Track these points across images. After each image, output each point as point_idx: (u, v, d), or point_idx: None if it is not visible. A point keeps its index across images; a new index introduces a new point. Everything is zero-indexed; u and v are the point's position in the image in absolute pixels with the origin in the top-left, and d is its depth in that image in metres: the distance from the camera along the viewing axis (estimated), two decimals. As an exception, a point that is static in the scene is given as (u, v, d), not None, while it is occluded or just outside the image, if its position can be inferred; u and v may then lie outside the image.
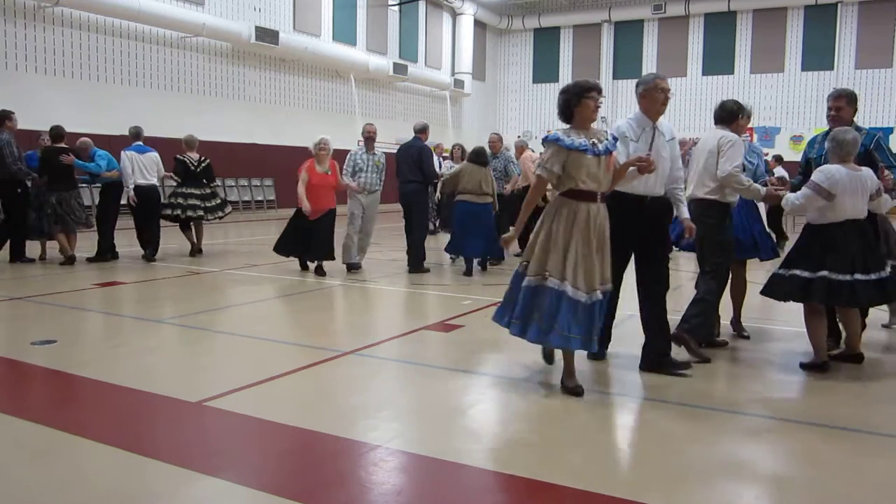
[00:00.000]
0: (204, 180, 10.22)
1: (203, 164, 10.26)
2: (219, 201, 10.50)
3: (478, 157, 8.63)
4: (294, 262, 9.41)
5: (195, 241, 10.17)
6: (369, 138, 8.66)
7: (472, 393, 4.22)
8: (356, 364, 4.73)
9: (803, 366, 4.62)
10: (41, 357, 4.72)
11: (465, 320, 6.06)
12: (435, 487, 2.94)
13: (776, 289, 4.58)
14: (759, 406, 3.98)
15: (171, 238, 10.42)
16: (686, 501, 2.83)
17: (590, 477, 3.02)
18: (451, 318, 6.09)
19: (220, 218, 10.57)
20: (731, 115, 4.95)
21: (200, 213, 10.10)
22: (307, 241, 8.38)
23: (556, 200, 4.05)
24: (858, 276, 4.30)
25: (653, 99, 4.45)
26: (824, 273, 4.33)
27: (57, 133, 9.01)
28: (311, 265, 8.62)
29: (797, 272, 4.44)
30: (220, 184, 18.65)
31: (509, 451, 3.31)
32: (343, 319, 6.61)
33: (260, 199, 19.68)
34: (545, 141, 4.09)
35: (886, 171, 4.67)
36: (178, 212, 9.95)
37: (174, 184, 10.22)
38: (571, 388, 4.06)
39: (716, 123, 4.99)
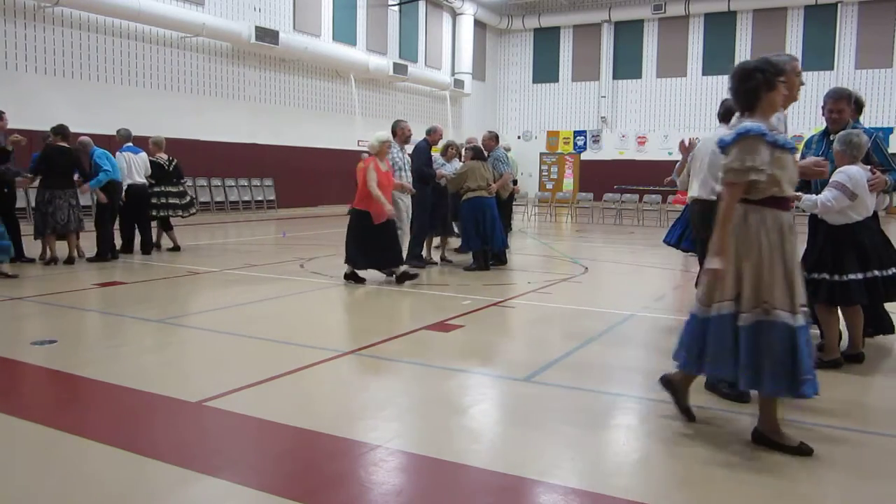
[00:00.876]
0: (174, 179, 10.49)
1: (174, 163, 10.50)
2: (189, 199, 10.81)
3: (480, 153, 9.05)
4: (294, 264, 9.41)
5: (173, 239, 10.45)
6: (408, 139, 8.62)
7: (472, 393, 4.22)
8: (356, 364, 4.73)
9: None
10: (41, 357, 4.72)
11: (465, 320, 6.06)
12: (435, 487, 2.94)
13: (818, 294, 4.60)
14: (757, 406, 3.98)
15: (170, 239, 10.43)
16: (686, 501, 2.83)
17: (590, 476, 3.02)
18: (451, 318, 6.09)
19: (192, 214, 10.93)
20: (732, 112, 4.95)
21: (180, 211, 10.48)
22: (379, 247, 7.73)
23: (753, 212, 3.27)
24: (876, 273, 4.47)
25: (791, 84, 3.87)
26: (854, 275, 4.46)
27: (61, 132, 8.93)
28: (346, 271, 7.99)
29: (826, 276, 4.53)
30: (220, 183, 18.73)
31: (509, 451, 3.31)
32: (343, 319, 6.61)
33: (260, 199, 19.69)
34: (742, 135, 3.22)
35: (877, 172, 4.68)
36: (161, 212, 10.28)
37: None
38: (797, 447, 3.26)
39: (720, 122, 4.98)
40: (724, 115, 4.93)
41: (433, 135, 9.19)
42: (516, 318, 6.46)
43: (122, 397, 3.96)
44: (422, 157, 8.95)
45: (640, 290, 8.22)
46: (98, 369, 4.45)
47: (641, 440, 3.49)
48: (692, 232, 5.44)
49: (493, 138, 9.83)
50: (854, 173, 4.45)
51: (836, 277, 4.50)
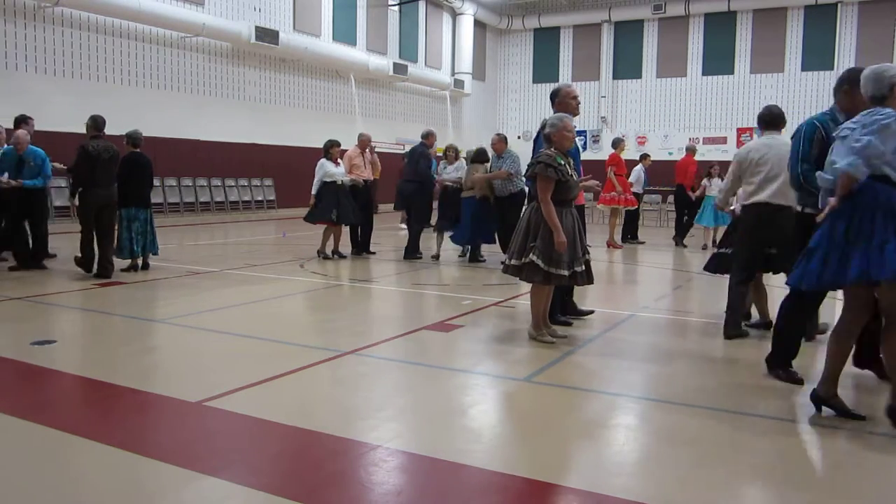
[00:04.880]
0: None
1: None
2: None
3: (479, 155, 9.76)
4: (294, 264, 9.43)
5: None
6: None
7: (472, 393, 4.22)
8: (356, 364, 4.73)
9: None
10: (41, 357, 4.72)
11: (465, 320, 6.06)
12: (435, 487, 2.94)
13: None
14: (759, 406, 3.98)
15: (170, 238, 10.42)
16: (686, 501, 2.83)
17: (590, 476, 3.02)
18: (451, 318, 6.09)
19: None
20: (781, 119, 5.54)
21: None
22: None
23: None
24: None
25: None
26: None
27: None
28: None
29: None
30: (220, 183, 18.68)
31: (509, 451, 3.31)
32: (343, 319, 6.60)
33: (260, 199, 19.68)
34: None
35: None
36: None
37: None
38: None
39: (767, 129, 5.46)
40: (771, 122, 5.43)
41: (430, 138, 10.10)
42: (516, 318, 6.46)
43: (122, 397, 3.96)
44: (426, 161, 9.98)
45: (640, 290, 8.23)
46: (98, 369, 4.45)
47: (641, 440, 3.49)
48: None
49: (499, 140, 9.61)
50: None
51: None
